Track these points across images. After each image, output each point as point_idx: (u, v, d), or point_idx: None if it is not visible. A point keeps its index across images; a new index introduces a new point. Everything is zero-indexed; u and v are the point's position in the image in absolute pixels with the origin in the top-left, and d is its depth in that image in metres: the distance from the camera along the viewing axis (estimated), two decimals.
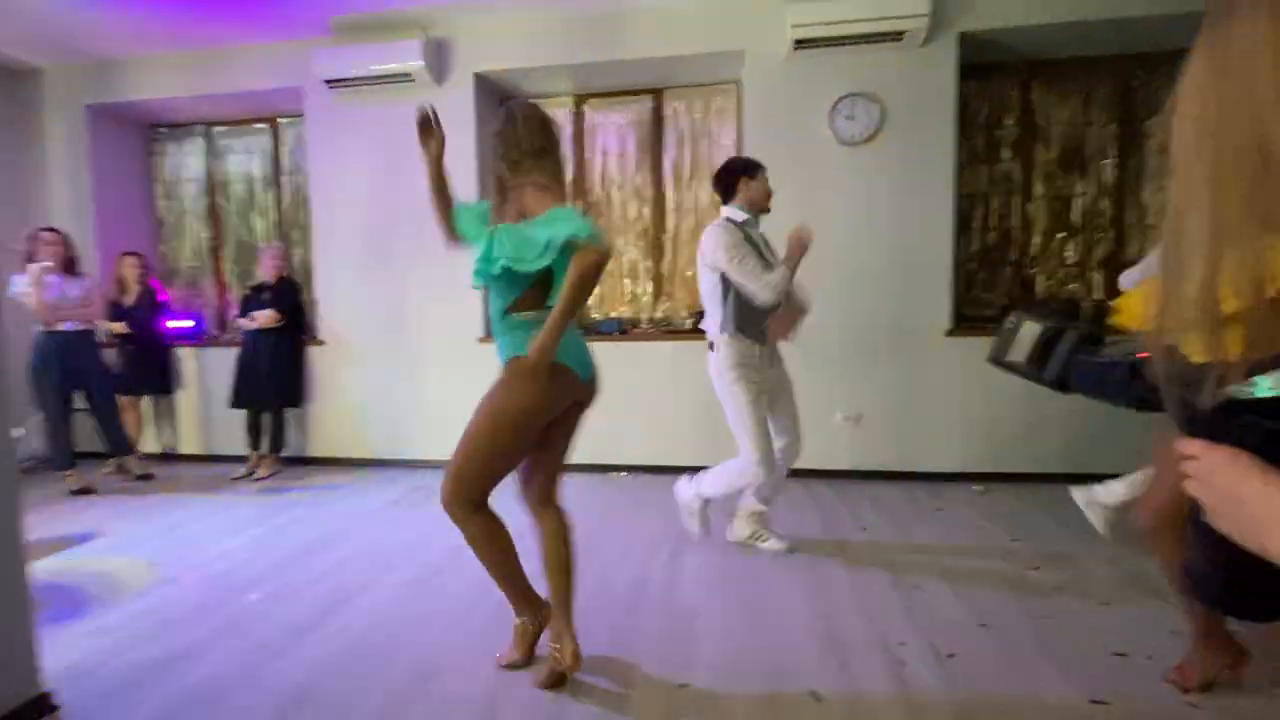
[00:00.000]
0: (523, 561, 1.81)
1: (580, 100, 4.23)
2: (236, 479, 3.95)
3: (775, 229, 2.62)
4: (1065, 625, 2.02)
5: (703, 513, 2.68)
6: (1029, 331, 0.64)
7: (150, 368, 4.20)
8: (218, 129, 4.72)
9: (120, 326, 4.04)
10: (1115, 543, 2.48)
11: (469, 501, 1.69)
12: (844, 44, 3.44)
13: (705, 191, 4.17)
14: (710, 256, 2.44)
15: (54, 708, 1.64)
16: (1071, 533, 2.75)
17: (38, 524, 3.01)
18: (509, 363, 1.67)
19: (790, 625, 2.05)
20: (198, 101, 4.36)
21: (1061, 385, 0.61)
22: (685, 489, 2.69)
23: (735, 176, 2.51)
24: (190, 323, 4.52)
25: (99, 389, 3.79)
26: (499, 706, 1.67)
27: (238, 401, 4.03)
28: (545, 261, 1.55)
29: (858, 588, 2.30)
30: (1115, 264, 3.75)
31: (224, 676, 1.82)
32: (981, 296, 3.95)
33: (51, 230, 3.66)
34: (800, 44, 3.46)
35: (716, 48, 3.68)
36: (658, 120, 4.18)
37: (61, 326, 3.60)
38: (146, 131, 4.80)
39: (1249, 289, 0.39)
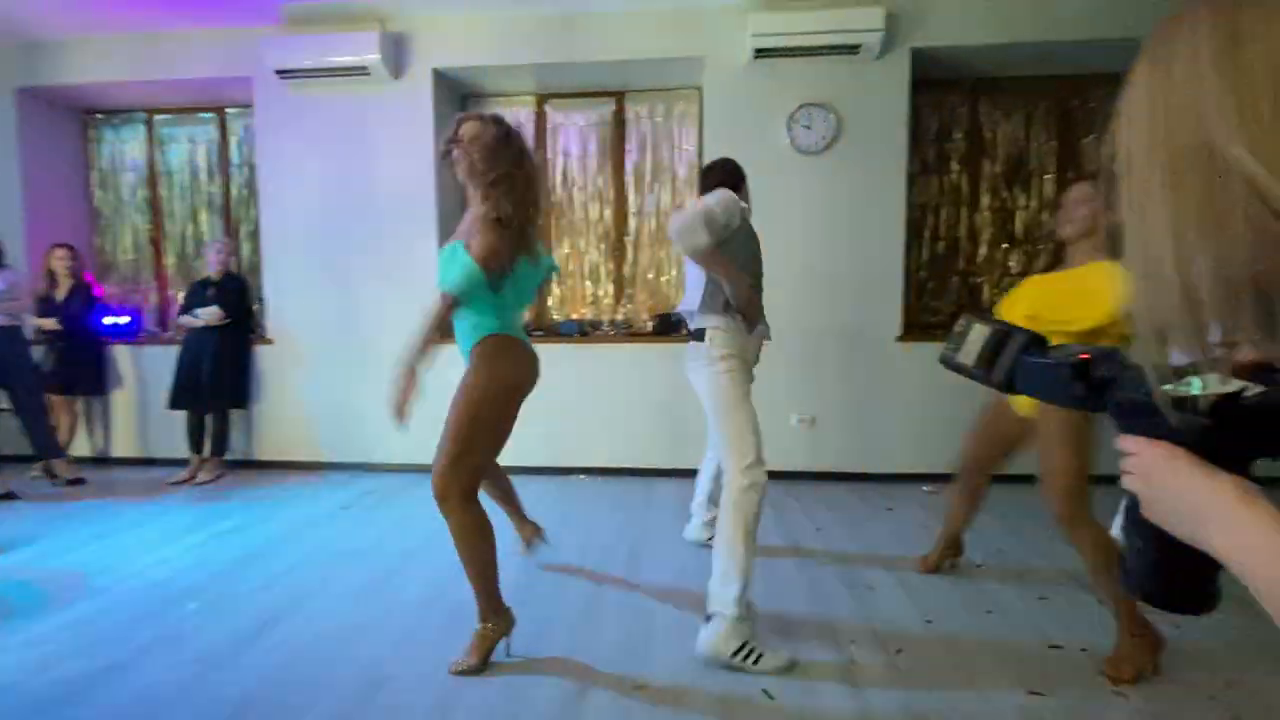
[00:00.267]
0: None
1: (541, 100, 4.21)
2: (176, 484, 3.77)
3: None
4: (1005, 620, 2.11)
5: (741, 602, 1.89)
6: (978, 334, 0.66)
7: (83, 366, 3.98)
8: (160, 116, 4.51)
9: (50, 323, 3.82)
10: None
11: (463, 490, 1.75)
12: (802, 55, 3.52)
13: (667, 195, 4.20)
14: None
15: None
16: (1012, 531, 2.87)
17: None
18: (476, 346, 1.77)
19: None
20: (138, 87, 4.16)
21: (1008, 386, 0.63)
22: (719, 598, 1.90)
23: (740, 179, 2.35)
24: (127, 319, 4.31)
25: (25, 387, 3.58)
26: (450, 715, 1.64)
27: (177, 402, 3.85)
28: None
29: (811, 587, 2.35)
30: None
31: (158, 690, 1.74)
32: (931, 304, 4.08)
33: None
34: (760, 53, 3.52)
35: (678, 53, 3.72)
36: (620, 123, 4.19)
37: None
38: (82, 117, 4.56)
39: (1219, 287, 0.40)
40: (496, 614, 1.84)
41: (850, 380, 3.74)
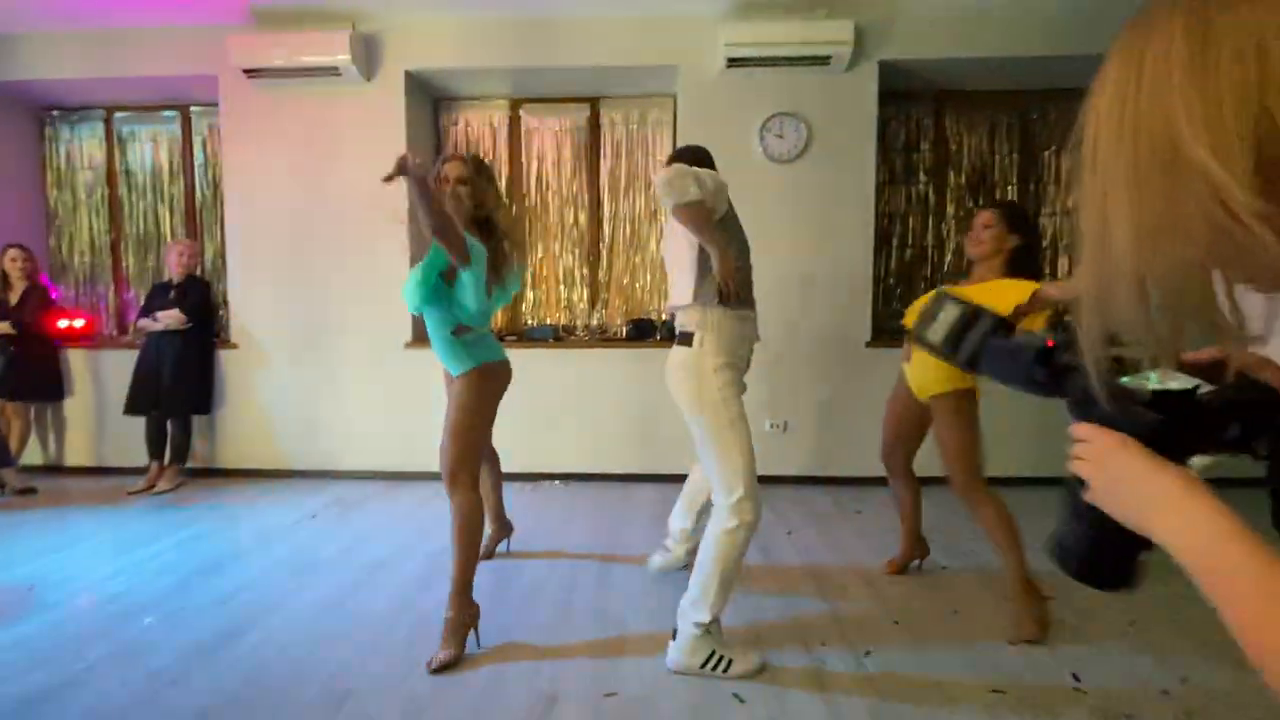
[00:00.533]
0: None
1: (516, 105, 4.20)
2: (133, 492, 3.65)
3: None
4: (970, 620, 2.15)
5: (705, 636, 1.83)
6: (948, 314, 0.68)
7: (36, 371, 3.83)
8: (120, 114, 4.38)
9: (3, 326, 3.67)
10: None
11: (471, 474, 1.99)
12: (774, 65, 3.58)
13: (642, 201, 4.21)
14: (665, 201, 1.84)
15: None
16: (978, 532, 2.93)
17: None
18: (471, 371, 2.02)
19: None
20: (98, 84, 4.03)
21: (972, 365, 0.64)
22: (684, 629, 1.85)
23: (710, 166, 2.09)
24: (82, 322, 4.16)
25: None
26: None
27: (134, 408, 3.73)
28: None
29: (782, 589, 2.37)
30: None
31: (112, 707, 1.68)
32: (900, 310, 4.15)
33: None
34: (732, 62, 3.56)
35: (651, 61, 3.74)
36: (595, 128, 4.20)
37: None
38: (38, 114, 4.40)
39: (1175, 285, 0.41)
40: (468, 601, 1.96)
41: (822, 385, 3.79)
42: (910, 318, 2.38)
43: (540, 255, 4.29)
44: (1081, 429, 0.53)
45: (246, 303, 3.99)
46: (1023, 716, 1.65)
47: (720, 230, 1.84)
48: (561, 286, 4.31)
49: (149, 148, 4.40)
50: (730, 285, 1.81)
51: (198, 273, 3.95)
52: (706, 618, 1.78)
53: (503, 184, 2.15)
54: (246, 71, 3.70)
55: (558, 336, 4.05)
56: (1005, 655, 1.93)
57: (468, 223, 2.02)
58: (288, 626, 2.11)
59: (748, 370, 1.98)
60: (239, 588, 2.40)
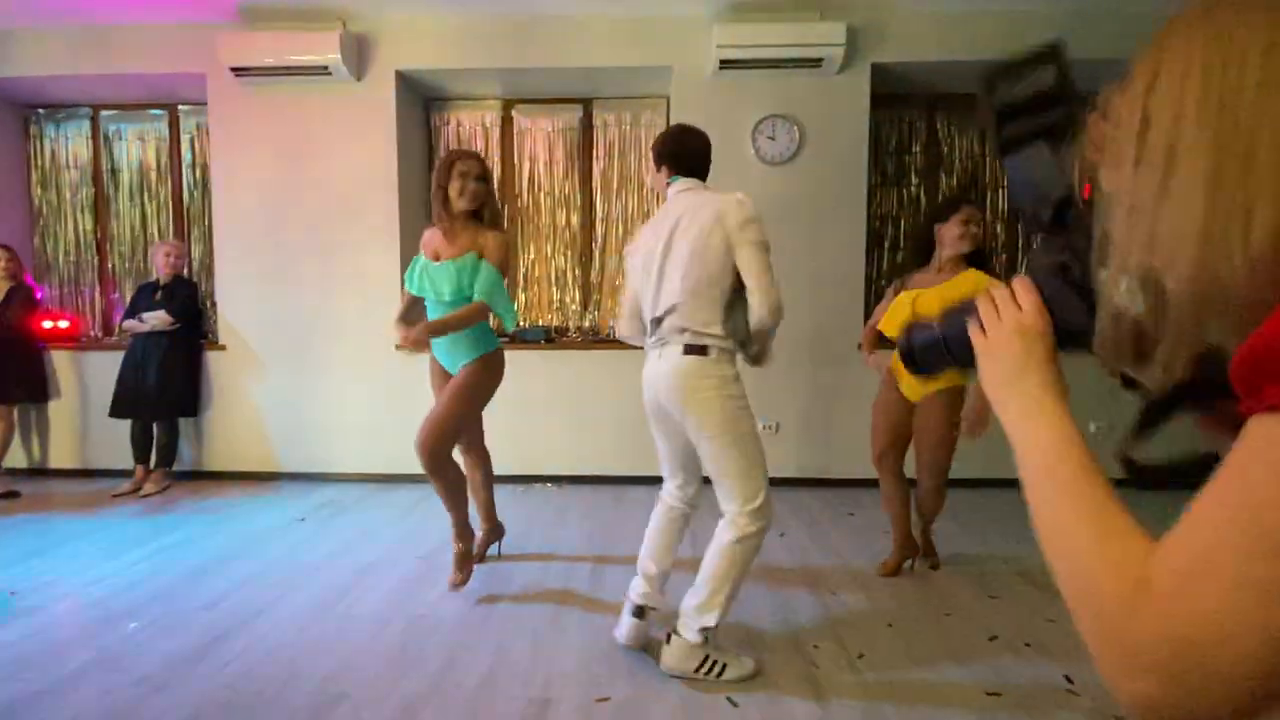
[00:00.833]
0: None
1: (508, 105, 4.18)
2: (119, 495, 3.60)
3: None
4: (962, 621, 2.15)
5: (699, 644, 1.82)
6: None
7: (20, 372, 3.77)
8: (106, 112, 4.32)
9: None
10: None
11: (449, 449, 2.26)
12: (766, 67, 3.58)
13: (635, 202, 4.20)
14: (737, 227, 1.73)
15: None
16: (969, 533, 2.94)
17: None
18: (473, 362, 2.28)
19: None
20: (84, 81, 3.98)
21: (910, 362, 0.67)
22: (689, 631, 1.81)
23: (707, 162, 1.93)
24: (67, 323, 4.11)
25: None
26: None
27: (119, 410, 3.68)
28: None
29: (775, 592, 2.36)
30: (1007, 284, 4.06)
31: (95, 715, 1.65)
32: None
33: None
34: (725, 64, 3.56)
35: (644, 62, 3.73)
36: (587, 129, 4.18)
37: None
38: (22, 112, 4.34)
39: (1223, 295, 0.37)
40: (468, 535, 2.35)
41: (814, 387, 3.79)
42: (889, 327, 2.40)
43: (532, 257, 4.28)
44: (1024, 289, 0.54)
45: (234, 304, 3.95)
46: (1016, 718, 1.65)
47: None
48: (554, 288, 4.29)
49: (136, 146, 4.35)
50: (765, 349, 1.92)
51: (185, 273, 3.91)
52: (713, 623, 1.78)
53: (495, 185, 2.22)
54: (235, 70, 3.66)
55: (550, 338, 4.03)
56: (999, 657, 1.93)
57: (466, 214, 2.26)
58: (276, 631, 2.08)
59: None
60: (226, 592, 2.37)
